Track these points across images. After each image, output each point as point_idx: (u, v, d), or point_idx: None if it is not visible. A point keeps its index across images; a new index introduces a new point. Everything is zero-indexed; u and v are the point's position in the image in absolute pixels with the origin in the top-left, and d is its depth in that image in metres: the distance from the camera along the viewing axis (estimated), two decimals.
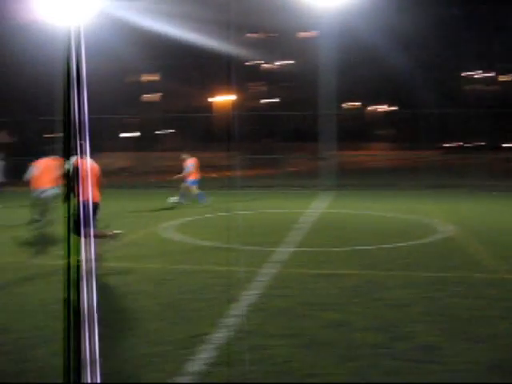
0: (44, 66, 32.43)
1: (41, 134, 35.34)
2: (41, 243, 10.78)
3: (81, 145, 8.95)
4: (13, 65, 36.23)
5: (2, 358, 4.72)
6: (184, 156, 18.42)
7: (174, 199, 17.72)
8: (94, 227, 8.96)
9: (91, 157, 8.34)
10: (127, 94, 46.78)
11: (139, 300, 6.49)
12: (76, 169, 8.73)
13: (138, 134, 52.85)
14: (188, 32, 36.66)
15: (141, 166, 35.96)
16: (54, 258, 8.85)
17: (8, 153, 32.52)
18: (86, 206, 8.56)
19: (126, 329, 5.44)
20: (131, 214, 16.17)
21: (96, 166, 9.04)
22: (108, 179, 20.09)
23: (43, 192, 13.53)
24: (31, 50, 33.56)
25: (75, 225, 8.09)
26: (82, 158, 8.71)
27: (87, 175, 8.28)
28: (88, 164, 8.71)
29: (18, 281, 7.60)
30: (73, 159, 12.13)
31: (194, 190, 17.94)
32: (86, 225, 8.86)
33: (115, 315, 5.88)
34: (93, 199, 8.64)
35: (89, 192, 8.45)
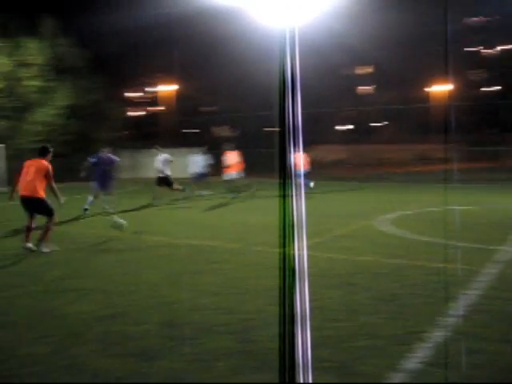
0: (263, 63, 34.18)
1: (260, 128, 37.23)
2: (254, 231, 11.42)
3: (44, 148, 9.95)
4: (233, 64, 38.70)
5: (230, 336, 5.09)
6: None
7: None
8: (31, 220, 9.56)
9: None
10: (342, 87, 47.24)
11: (355, 292, 6.54)
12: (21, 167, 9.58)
13: (352, 126, 53.09)
14: (401, 20, 35.76)
15: (356, 159, 36.08)
16: (272, 246, 9.31)
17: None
18: (23, 200, 9.30)
19: (340, 320, 5.52)
20: (347, 206, 16.38)
21: (43, 164, 9.54)
22: (322, 172, 20.78)
23: (230, 175, 19.86)
24: (251, 49, 35.56)
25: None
26: (38, 158, 9.59)
27: (28, 173, 9.35)
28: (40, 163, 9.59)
29: (239, 266, 8.14)
30: (163, 156, 13.20)
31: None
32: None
33: (329, 305, 6.00)
34: (31, 194, 9.32)
35: (24, 187, 9.30)
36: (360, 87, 59.25)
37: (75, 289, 6.94)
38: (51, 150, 9.99)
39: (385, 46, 45.15)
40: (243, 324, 5.41)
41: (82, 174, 15.26)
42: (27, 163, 9.78)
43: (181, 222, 13.59)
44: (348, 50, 44.00)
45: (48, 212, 9.61)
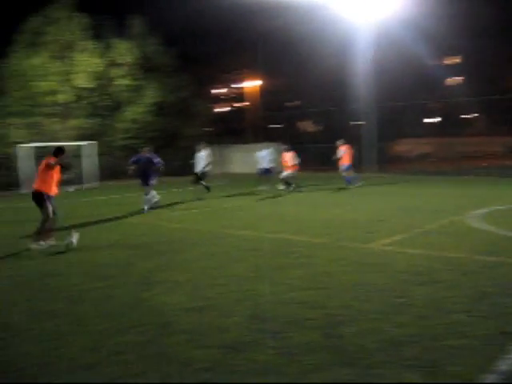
0: (345, 57, 33.83)
1: (344, 122, 36.85)
2: (339, 225, 11.33)
3: (56, 148, 10.25)
4: (317, 58, 38.44)
5: (316, 331, 5.09)
6: (338, 143, 21.57)
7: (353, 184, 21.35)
8: (45, 217, 9.91)
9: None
10: (429, 78, 45.87)
11: (443, 290, 6.34)
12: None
13: (440, 119, 51.48)
14: (491, 6, 34.18)
15: (444, 152, 34.95)
16: (358, 241, 9.23)
17: (312, 141, 34.96)
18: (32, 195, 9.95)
19: (428, 317, 5.40)
20: (435, 201, 15.96)
21: (47, 160, 9.99)
22: (409, 166, 20.34)
23: (285, 174, 21.07)
24: (334, 44, 35.21)
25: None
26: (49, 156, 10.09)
27: (39, 170, 9.99)
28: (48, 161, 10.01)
29: (325, 261, 8.10)
30: (204, 153, 13.35)
31: (350, 173, 21.41)
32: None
33: (417, 302, 5.87)
34: (35, 189, 9.90)
35: (35, 183, 9.94)
36: (448, 78, 57.36)
37: (165, 280, 7.18)
38: (63, 151, 10.33)
39: (473, 35, 43.50)
40: (330, 319, 5.40)
41: (130, 173, 16.02)
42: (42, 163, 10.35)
43: (263, 216, 13.69)
44: (435, 41, 42.62)
45: (44, 208, 9.91)
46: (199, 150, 19.22)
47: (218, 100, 61.37)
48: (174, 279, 7.25)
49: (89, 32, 32.12)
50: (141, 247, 9.81)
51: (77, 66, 30.76)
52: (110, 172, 31.46)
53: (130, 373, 4.32)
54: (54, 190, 10.02)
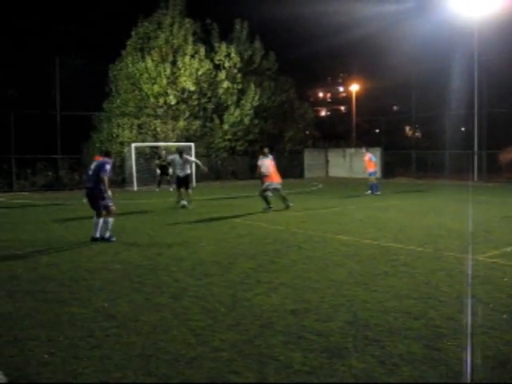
0: (449, 60, 32.76)
1: (450, 128, 35.63)
2: (442, 235, 10.97)
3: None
4: (417, 62, 37.40)
5: (416, 342, 4.98)
6: (363, 150, 22.53)
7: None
8: None
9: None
10: None
11: None
12: None
13: None
14: None
15: None
16: (460, 252, 8.94)
17: (414, 147, 34.00)
18: None
19: None
20: None
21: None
22: None
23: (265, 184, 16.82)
24: (437, 46, 34.20)
25: None
26: None
27: None
28: None
29: (426, 271, 7.88)
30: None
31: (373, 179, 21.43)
32: None
33: None
34: None
35: None
36: None
37: (265, 281, 7.28)
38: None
39: None
40: (430, 330, 5.27)
41: None
42: None
43: (362, 221, 13.48)
44: None
45: None
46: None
47: (318, 104, 61.28)
48: (274, 280, 7.33)
49: (195, 36, 32.99)
50: (240, 247, 9.98)
51: (184, 69, 31.65)
52: (209, 173, 32.29)
53: (228, 370, 4.42)
54: None
